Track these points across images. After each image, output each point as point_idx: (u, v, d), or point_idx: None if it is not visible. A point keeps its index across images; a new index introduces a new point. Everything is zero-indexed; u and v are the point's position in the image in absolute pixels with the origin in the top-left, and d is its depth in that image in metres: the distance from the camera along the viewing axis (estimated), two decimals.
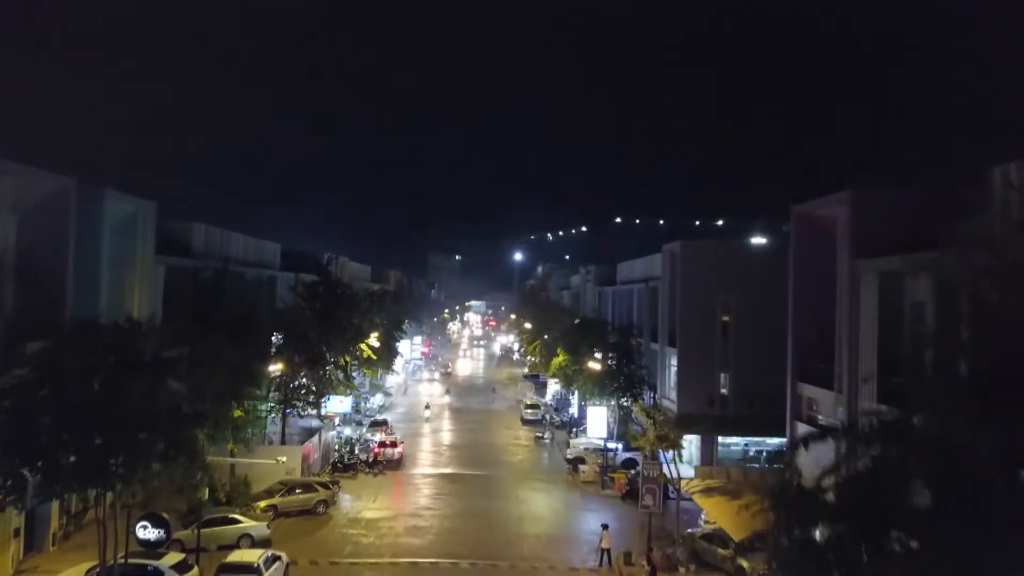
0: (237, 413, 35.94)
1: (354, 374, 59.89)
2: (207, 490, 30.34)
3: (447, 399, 69.84)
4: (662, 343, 53.22)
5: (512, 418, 70.42)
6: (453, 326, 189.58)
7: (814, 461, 30.10)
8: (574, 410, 65.69)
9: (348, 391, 56.08)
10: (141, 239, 35.26)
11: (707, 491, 32.33)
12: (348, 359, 55.90)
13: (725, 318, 48.63)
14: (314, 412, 47.32)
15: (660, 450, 36.05)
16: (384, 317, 75.58)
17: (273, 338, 46.87)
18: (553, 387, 75.11)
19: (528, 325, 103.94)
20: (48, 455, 22.80)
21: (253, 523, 33.80)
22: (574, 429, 60.93)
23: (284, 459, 38.13)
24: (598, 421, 47.56)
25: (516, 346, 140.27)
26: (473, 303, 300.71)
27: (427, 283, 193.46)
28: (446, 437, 60.37)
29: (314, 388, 47.04)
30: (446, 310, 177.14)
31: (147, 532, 25.63)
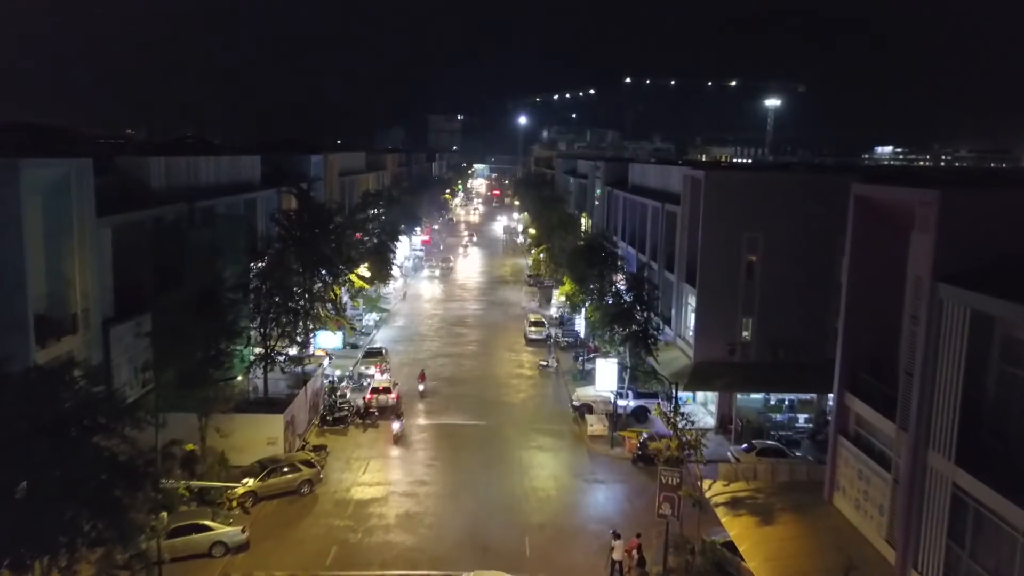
0: (190, 447, 32.30)
1: (344, 302, 55.72)
2: (165, 514, 26.78)
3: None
4: (679, 278, 48.51)
5: (515, 334, 66.73)
6: (455, 202, 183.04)
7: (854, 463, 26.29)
8: (581, 330, 61.87)
9: (339, 327, 52.11)
10: (77, 204, 29.89)
11: (733, 503, 28.66)
12: (338, 291, 51.54)
13: (751, 258, 43.84)
14: (298, 368, 43.21)
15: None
16: (378, 227, 70.75)
17: (251, 285, 42.39)
18: (558, 297, 71.03)
19: (532, 231, 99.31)
20: None
21: (226, 528, 30.46)
22: (580, 356, 57.27)
23: (249, 482, 34.14)
24: (608, 374, 43.54)
25: (519, 227, 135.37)
26: (477, 167, 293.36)
27: (427, 155, 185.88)
28: (445, 367, 56.79)
29: (299, 338, 42.85)
30: (447, 190, 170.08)
31: None
